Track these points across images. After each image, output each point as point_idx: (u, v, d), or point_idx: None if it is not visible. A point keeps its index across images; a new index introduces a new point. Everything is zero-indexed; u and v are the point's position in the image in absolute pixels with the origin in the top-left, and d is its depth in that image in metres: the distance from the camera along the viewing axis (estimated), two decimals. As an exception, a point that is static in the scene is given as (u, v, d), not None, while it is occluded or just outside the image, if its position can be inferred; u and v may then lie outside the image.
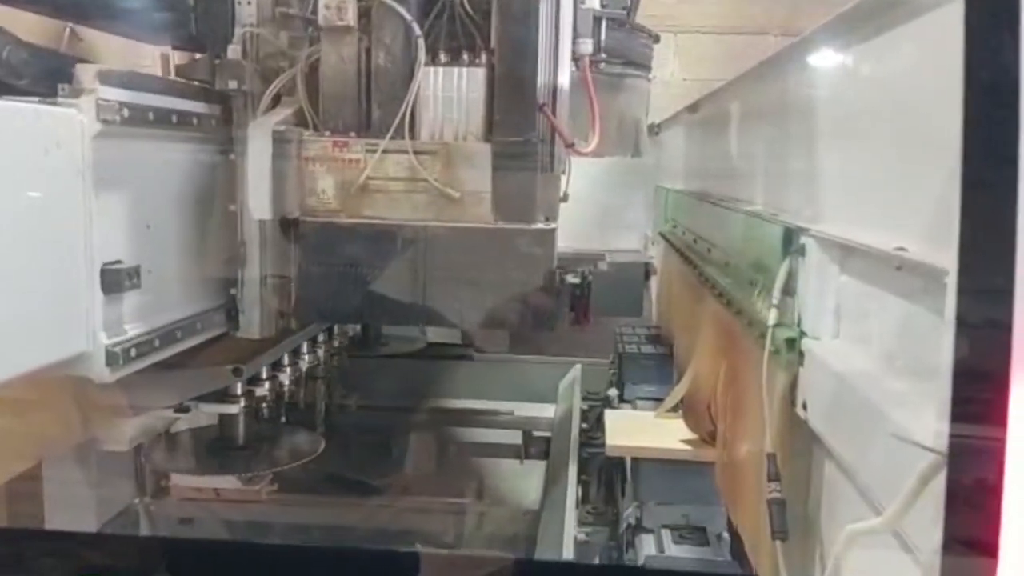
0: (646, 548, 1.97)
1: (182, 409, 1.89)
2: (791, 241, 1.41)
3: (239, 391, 1.94)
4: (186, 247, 1.73)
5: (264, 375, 2.05)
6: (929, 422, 0.83)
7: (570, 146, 1.92)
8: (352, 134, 1.85)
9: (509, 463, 3.13)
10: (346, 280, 1.85)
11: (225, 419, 2.05)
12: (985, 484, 0.61)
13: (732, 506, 1.65)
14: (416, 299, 1.86)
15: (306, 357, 2.30)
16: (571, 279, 2.24)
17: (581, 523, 2.27)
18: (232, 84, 1.82)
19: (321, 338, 2.43)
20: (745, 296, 1.68)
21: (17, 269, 1.19)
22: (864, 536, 0.90)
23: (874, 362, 1.06)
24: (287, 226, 1.82)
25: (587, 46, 1.94)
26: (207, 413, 1.98)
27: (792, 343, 1.31)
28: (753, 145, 2.03)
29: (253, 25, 1.87)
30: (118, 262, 1.40)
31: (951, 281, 0.67)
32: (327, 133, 1.85)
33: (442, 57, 1.87)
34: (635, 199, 4.12)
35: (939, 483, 0.68)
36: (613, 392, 2.75)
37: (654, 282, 3.82)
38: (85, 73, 1.33)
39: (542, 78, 1.84)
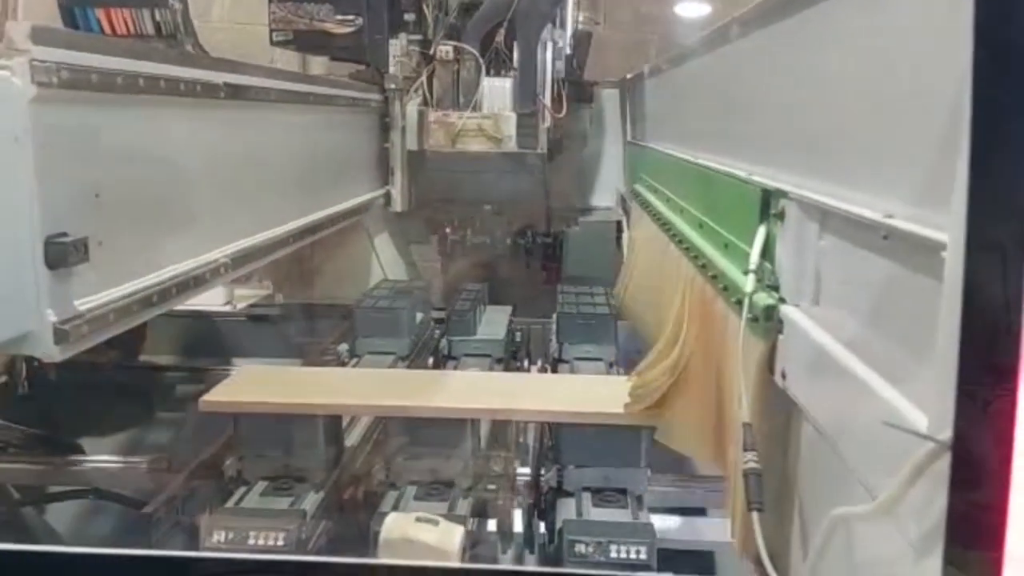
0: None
1: None
2: (769, 203, 1.37)
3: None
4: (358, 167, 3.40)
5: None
6: (924, 398, 0.79)
7: (554, 113, 3.63)
8: (450, 108, 3.55)
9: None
10: (448, 179, 3.74)
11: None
12: (990, 471, 0.57)
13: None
14: (481, 187, 3.81)
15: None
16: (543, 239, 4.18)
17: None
18: (392, 85, 3.57)
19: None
20: (720, 259, 1.64)
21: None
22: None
23: (856, 331, 1.02)
24: (417, 154, 3.62)
25: (559, 68, 3.71)
26: None
27: (770, 310, 1.27)
28: (726, 102, 1.97)
29: (399, 56, 3.58)
30: (64, 234, 1.32)
31: (955, 253, 0.62)
32: (438, 109, 3.56)
33: (492, 72, 3.58)
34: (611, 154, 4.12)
35: (937, 469, 0.64)
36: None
37: (626, 240, 3.79)
38: (17, 32, 1.24)
39: (539, 82, 3.53)
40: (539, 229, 4.03)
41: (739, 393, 1.30)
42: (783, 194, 1.29)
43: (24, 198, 1.26)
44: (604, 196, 4.34)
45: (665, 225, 2.37)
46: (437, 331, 2.98)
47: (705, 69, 2.12)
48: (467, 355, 2.71)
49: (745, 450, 1.22)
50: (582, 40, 3.78)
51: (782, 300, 1.27)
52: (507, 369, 2.74)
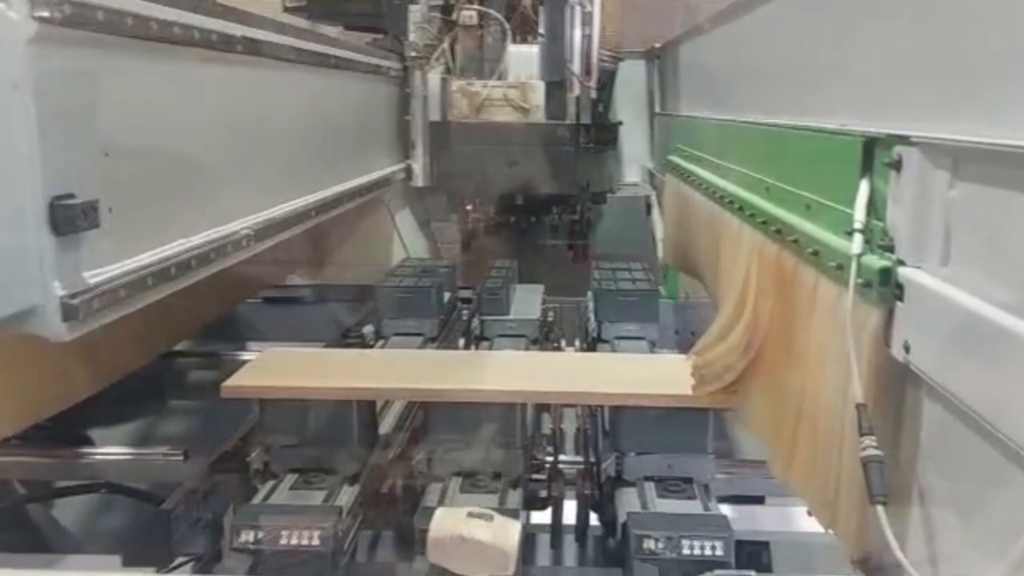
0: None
1: None
2: (873, 154, 1.20)
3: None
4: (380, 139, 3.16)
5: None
6: None
7: (582, 81, 3.35)
8: (474, 78, 3.52)
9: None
10: (472, 151, 3.50)
11: None
12: None
13: (783, 462, 1.46)
14: (505, 160, 3.49)
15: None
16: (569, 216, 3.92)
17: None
18: (412, 53, 3.35)
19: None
20: (803, 223, 1.46)
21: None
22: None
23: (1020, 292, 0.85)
24: (439, 126, 3.49)
25: (590, 31, 3.30)
26: None
27: (887, 273, 1.10)
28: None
29: (419, 22, 3.41)
30: (71, 196, 1.15)
31: None
32: (462, 78, 3.52)
33: (518, 39, 3.57)
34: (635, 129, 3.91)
35: None
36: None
37: (656, 217, 3.62)
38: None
39: (566, 49, 3.32)
40: (566, 205, 3.81)
41: (848, 370, 1.13)
42: (898, 140, 1.11)
43: (25, 153, 1.09)
44: (629, 171, 4.17)
45: (717, 194, 2.20)
46: (465, 311, 2.82)
47: (768, 19, 1.94)
48: (501, 335, 2.54)
49: (862, 434, 1.05)
50: (606, 80, 3.61)
51: (900, 262, 1.10)
52: (542, 350, 2.57)
